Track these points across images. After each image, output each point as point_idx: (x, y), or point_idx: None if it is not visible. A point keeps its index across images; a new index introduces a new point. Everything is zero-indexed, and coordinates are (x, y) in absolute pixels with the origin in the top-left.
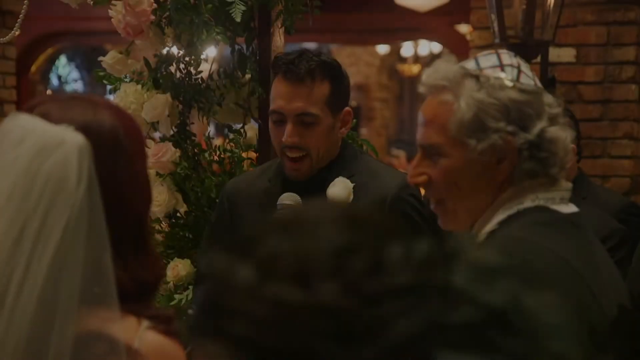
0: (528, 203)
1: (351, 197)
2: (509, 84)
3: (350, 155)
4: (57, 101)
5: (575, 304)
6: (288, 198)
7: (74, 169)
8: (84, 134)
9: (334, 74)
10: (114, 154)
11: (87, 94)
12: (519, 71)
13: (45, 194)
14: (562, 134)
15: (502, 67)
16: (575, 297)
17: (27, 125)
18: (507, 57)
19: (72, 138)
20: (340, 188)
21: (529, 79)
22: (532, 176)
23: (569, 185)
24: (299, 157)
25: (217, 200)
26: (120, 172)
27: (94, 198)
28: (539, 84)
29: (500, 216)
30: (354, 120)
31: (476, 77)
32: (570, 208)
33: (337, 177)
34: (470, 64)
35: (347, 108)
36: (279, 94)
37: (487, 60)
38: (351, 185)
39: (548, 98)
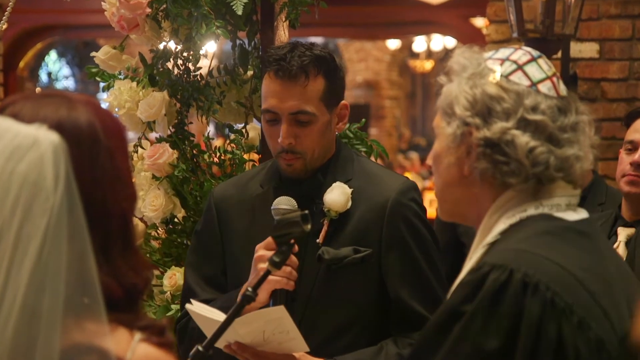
0: (531, 211)
1: (349, 203)
2: (493, 77)
3: (347, 157)
4: (29, 99)
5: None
6: (283, 202)
7: (50, 170)
8: (59, 132)
9: (328, 67)
10: (92, 151)
11: (62, 91)
12: (517, 68)
13: (21, 198)
14: (525, 141)
15: (504, 60)
16: (582, 313)
17: None
18: (520, 52)
19: (45, 137)
20: (338, 194)
21: (525, 79)
22: (489, 178)
23: (577, 191)
24: (293, 157)
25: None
26: (100, 170)
27: (73, 199)
28: (546, 90)
29: (501, 225)
30: (363, 120)
31: (478, 65)
32: (579, 214)
33: (334, 181)
34: (489, 53)
35: (342, 102)
36: (271, 92)
37: (502, 52)
38: (349, 190)
39: (535, 102)
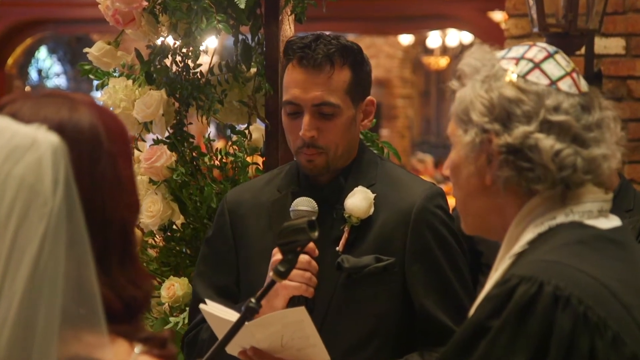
0: (561, 218)
1: (372, 209)
2: (509, 78)
3: (370, 160)
4: (29, 99)
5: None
6: (303, 203)
7: (49, 173)
8: (59, 134)
9: (355, 59)
10: (94, 155)
11: (64, 91)
12: (534, 67)
13: (17, 202)
14: (550, 144)
15: (519, 59)
16: (616, 327)
17: None
18: (535, 49)
19: (45, 138)
20: (359, 199)
21: (544, 77)
22: (514, 186)
23: (609, 195)
24: (315, 152)
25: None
26: (100, 175)
27: (73, 205)
28: (567, 87)
29: (529, 235)
30: (374, 120)
31: (492, 66)
32: (612, 222)
33: (356, 186)
34: (501, 53)
35: (369, 97)
36: (294, 82)
37: (516, 50)
38: (372, 195)
39: (557, 102)
